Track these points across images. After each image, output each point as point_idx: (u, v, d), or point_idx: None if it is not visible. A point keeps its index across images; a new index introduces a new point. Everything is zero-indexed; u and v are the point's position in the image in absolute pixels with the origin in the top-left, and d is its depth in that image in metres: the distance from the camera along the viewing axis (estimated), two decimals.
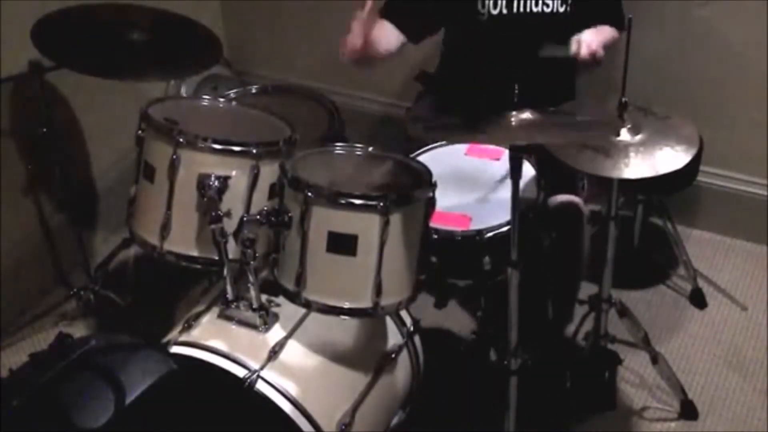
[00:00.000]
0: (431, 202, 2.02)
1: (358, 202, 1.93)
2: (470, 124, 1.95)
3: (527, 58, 2.46)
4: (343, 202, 1.93)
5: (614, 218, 2.30)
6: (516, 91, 1.95)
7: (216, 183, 2.06)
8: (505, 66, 2.44)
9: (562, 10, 2.47)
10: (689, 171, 2.68)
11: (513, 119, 1.94)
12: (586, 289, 2.52)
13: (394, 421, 2.27)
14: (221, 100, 2.46)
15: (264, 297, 2.11)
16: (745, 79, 2.95)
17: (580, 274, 2.54)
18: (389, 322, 2.26)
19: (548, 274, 2.47)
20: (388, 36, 2.48)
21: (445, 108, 2.54)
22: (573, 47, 2.37)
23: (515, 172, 1.94)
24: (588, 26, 2.48)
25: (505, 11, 2.47)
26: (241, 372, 1.99)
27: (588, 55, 2.35)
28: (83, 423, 1.80)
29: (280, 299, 2.09)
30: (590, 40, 2.38)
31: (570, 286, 2.57)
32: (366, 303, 1.99)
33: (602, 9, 2.52)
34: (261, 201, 2.11)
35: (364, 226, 1.94)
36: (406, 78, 2.79)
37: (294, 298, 2.01)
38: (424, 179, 2.03)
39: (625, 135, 2.10)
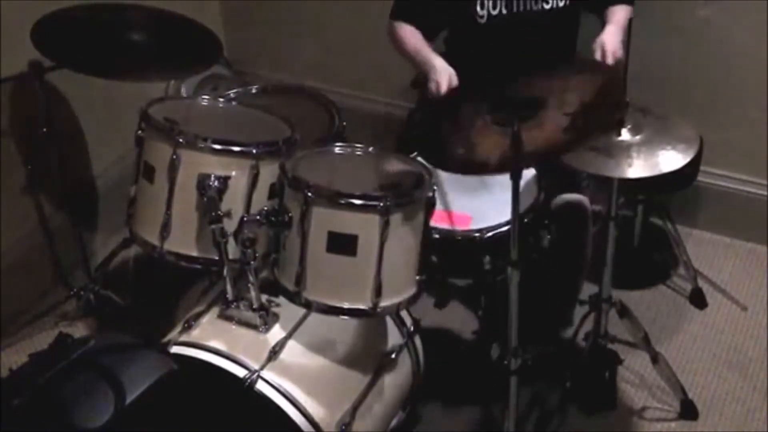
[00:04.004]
0: (431, 202, 2.02)
1: (358, 202, 1.93)
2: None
3: (527, 57, 2.46)
4: (343, 202, 1.93)
5: (614, 218, 2.30)
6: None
7: (216, 183, 2.06)
8: (506, 67, 2.44)
9: (561, 4, 2.47)
10: (689, 171, 2.68)
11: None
12: (586, 289, 2.53)
13: (394, 421, 2.27)
14: (221, 100, 2.46)
15: (264, 297, 2.11)
16: (745, 79, 2.95)
17: (582, 274, 2.54)
18: (389, 322, 2.26)
19: (550, 273, 2.46)
20: (411, 34, 2.51)
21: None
22: (597, 54, 2.36)
23: (515, 172, 1.94)
24: (602, 8, 2.48)
25: (504, 11, 2.47)
26: (241, 372, 1.99)
27: (613, 62, 2.34)
28: (83, 423, 1.80)
29: (280, 299, 2.09)
30: (613, 47, 2.36)
31: (572, 285, 2.57)
32: (366, 303, 1.99)
33: None
34: (261, 201, 2.10)
35: (364, 226, 1.94)
36: (406, 78, 2.79)
37: (294, 298, 2.01)
38: (424, 179, 2.03)
39: (625, 135, 2.10)
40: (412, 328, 2.29)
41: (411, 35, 2.52)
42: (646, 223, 3.08)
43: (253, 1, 3.51)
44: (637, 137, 2.11)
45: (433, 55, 2.44)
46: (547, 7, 2.47)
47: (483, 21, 2.48)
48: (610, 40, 2.37)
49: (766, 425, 2.54)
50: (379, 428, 2.21)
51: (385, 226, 1.93)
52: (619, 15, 2.46)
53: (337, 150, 2.17)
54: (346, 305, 2.00)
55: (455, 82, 2.34)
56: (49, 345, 1.99)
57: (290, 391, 1.99)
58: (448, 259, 2.19)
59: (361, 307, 1.99)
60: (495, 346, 2.53)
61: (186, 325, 2.12)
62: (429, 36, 2.57)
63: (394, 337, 2.26)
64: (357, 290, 1.98)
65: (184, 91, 3.08)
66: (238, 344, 2.06)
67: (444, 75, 2.35)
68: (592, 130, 1.97)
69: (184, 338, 2.09)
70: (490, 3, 2.46)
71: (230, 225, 2.04)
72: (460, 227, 2.19)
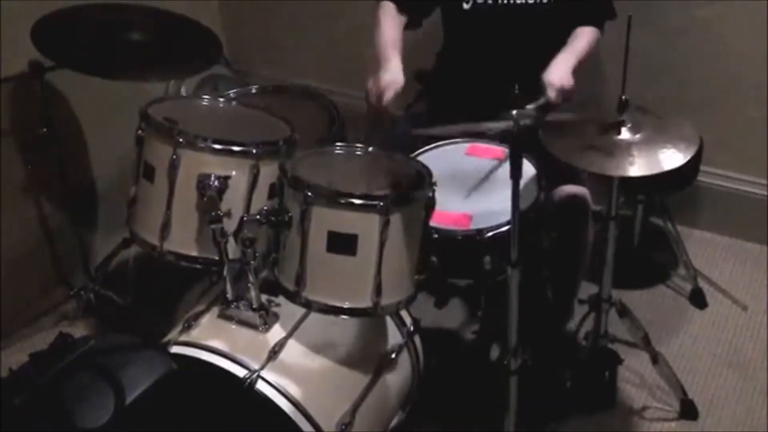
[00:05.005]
0: (431, 202, 2.02)
1: (358, 202, 1.93)
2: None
3: (514, 50, 2.46)
4: (343, 202, 1.93)
5: (614, 218, 2.30)
6: (516, 91, 1.94)
7: (216, 183, 2.06)
8: (493, 59, 2.44)
9: (545, 0, 2.47)
10: (689, 171, 2.68)
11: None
12: (586, 289, 2.52)
13: (394, 421, 2.27)
14: (221, 100, 2.46)
15: (264, 297, 2.11)
16: (745, 79, 2.95)
17: (582, 269, 2.54)
18: (389, 322, 2.26)
19: (550, 269, 2.46)
20: (389, 21, 2.54)
21: (444, 106, 2.56)
22: (548, 93, 2.36)
23: (515, 171, 1.94)
24: (569, 21, 2.49)
25: (490, 1, 2.48)
26: (241, 372, 1.99)
27: (559, 97, 2.35)
28: (83, 423, 1.80)
29: (280, 299, 2.09)
30: (558, 79, 2.36)
31: (572, 280, 2.57)
32: (366, 303, 1.99)
33: (587, 1, 2.53)
34: (261, 201, 2.11)
35: (364, 225, 1.94)
36: (407, 78, 2.79)
37: (294, 297, 2.01)
38: (424, 179, 2.03)
39: (625, 134, 2.10)
40: (412, 328, 2.29)
41: (388, 21, 2.55)
42: (646, 223, 3.08)
43: (253, 1, 3.51)
44: (637, 136, 2.11)
45: (394, 53, 2.45)
46: (530, 1, 2.48)
47: (468, 7, 2.49)
48: (555, 72, 2.38)
49: (766, 425, 2.54)
50: (379, 428, 2.21)
51: (385, 225, 1.93)
52: (580, 41, 2.48)
53: (337, 150, 2.17)
54: (346, 305, 2.00)
55: (388, 96, 2.36)
56: (49, 345, 1.99)
57: (290, 391, 1.99)
58: (448, 259, 2.19)
59: (361, 306, 1.99)
60: (495, 346, 2.53)
61: (186, 325, 2.12)
62: (414, 22, 2.59)
63: (394, 337, 2.26)
64: (357, 290, 1.98)
65: (184, 91, 3.08)
66: (238, 344, 2.06)
67: (388, 88, 2.36)
68: None
69: (184, 338, 2.09)
70: None
71: (230, 225, 2.04)
72: (460, 227, 2.19)
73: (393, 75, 2.39)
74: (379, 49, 2.49)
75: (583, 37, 2.50)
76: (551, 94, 2.35)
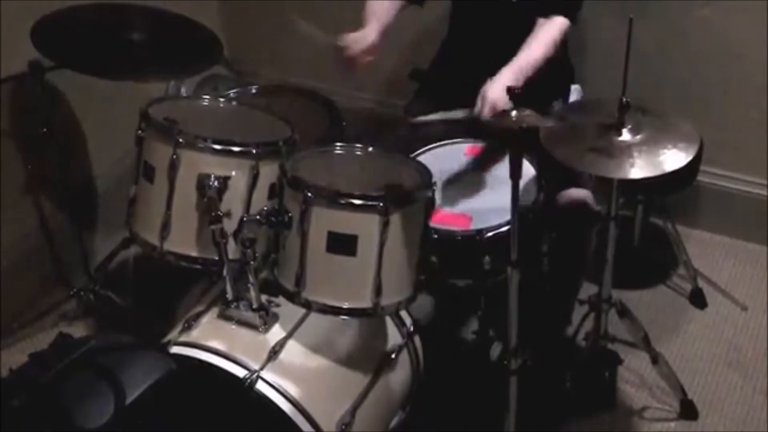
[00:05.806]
0: (431, 202, 2.02)
1: (358, 202, 1.93)
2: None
3: (506, 45, 2.45)
4: (343, 202, 1.93)
5: (614, 218, 2.30)
6: (517, 92, 1.94)
7: (216, 183, 2.06)
8: (483, 54, 2.44)
9: None
10: (689, 171, 2.68)
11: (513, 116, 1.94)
12: (586, 289, 2.53)
13: (394, 421, 2.27)
14: (221, 100, 2.46)
15: (264, 297, 2.11)
16: (745, 79, 2.95)
17: (583, 272, 2.54)
18: (389, 322, 2.26)
19: (551, 271, 2.46)
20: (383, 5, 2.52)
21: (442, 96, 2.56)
22: (477, 106, 2.24)
23: (515, 171, 1.94)
24: (538, 13, 2.43)
25: None
26: (241, 372, 1.99)
27: (490, 113, 2.20)
28: (83, 423, 1.80)
29: (280, 299, 2.09)
30: (494, 98, 2.20)
31: (572, 283, 2.57)
32: (366, 303, 1.99)
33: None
34: (261, 201, 2.11)
35: (364, 226, 1.94)
36: (407, 78, 2.79)
37: (294, 298, 2.01)
38: (424, 179, 2.03)
39: (626, 135, 2.10)
40: (411, 328, 2.29)
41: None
42: (646, 223, 3.08)
43: (253, 1, 3.51)
44: (638, 137, 2.11)
45: (375, 20, 2.48)
46: None
47: None
48: (493, 90, 2.22)
49: (766, 425, 2.54)
50: (379, 428, 2.21)
51: (385, 226, 1.93)
52: (538, 41, 2.35)
53: (337, 150, 2.17)
54: (345, 305, 2.00)
55: (354, 49, 2.43)
56: (49, 345, 1.99)
57: (290, 391, 1.99)
58: (448, 259, 2.19)
59: (361, 306, 2.00)
60: (495, 346, 2.53)
61: (186, 325, 2.12)
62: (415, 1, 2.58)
63: (394, 337, 2.26)
64: (357, 290, 1.98)
65: (184, 91, 3.07)
66: (238, 344, 2.06)
67: (357, 40, 2.41)
68: None
69: (183, 338, 2.09)
70: None
71: (230, 225, 2.04)
72: (460, 227, 2.19)
73: (362, 35, 2.46)
74: (363, 14, 2.52)
75: (547, 34, 2.38)
76: (483, 109, 2.22)
